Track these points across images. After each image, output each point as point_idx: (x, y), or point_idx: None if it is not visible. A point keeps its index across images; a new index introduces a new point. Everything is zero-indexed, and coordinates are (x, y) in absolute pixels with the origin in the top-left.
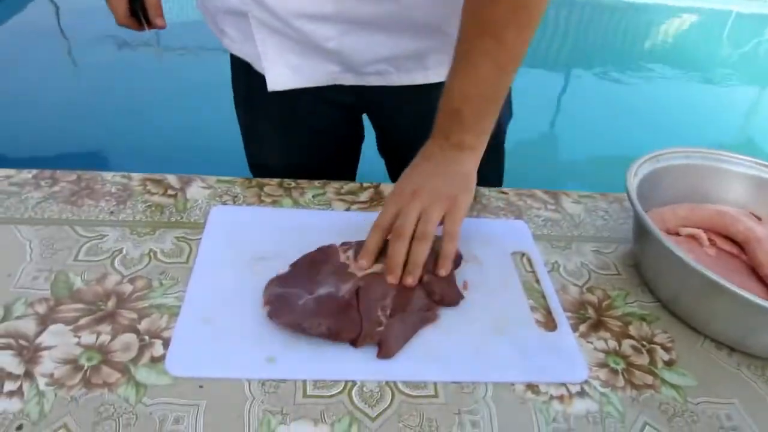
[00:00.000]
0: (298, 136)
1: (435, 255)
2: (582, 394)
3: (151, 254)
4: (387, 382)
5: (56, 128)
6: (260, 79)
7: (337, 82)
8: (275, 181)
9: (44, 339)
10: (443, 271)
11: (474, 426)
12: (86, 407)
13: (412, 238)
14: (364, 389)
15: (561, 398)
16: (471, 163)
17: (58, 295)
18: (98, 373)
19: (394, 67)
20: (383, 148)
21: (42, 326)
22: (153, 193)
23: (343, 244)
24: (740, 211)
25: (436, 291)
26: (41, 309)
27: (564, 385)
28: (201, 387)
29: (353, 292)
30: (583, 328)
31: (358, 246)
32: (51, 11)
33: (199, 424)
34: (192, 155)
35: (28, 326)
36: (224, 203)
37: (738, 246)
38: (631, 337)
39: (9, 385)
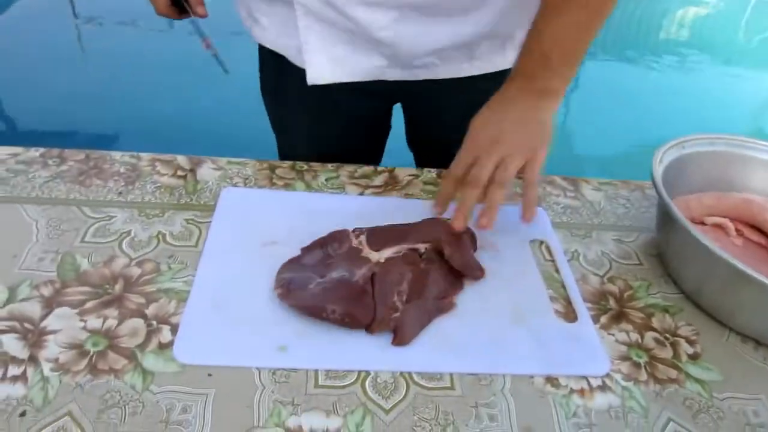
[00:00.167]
0: (329, 126)
1: (452, 233)
2: (603, 388)
3: (160, 237)
4: (402, 373)
5: (65, 112)
6: (293, 70)
7: (383, 77)
8: (287, 163)
9: (49, 322)
10: (528, 217)
11: (492, 420)
12: (92, 394)
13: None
14: (378, 380)
15: (581, 392)
16: (551, 110)
17: (65, 278)
18: (104, 359)
19: (441, 59)
20: (413, 140)
21: (47, 309)
22: (162, 174)
23: (355, 230)
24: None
25: (457, 263)
26: (47, 291)
27: (585, 378)
28: (210, 375)
29: (368, 277)
30: (604, 319)
31: (370, 232)
32: None
33: (208, 414)
34: (204, 138)
35: (33, 309)
36: (235, 185)
37: (766, 236)
38: (653, 329)
39: (13, 370)
